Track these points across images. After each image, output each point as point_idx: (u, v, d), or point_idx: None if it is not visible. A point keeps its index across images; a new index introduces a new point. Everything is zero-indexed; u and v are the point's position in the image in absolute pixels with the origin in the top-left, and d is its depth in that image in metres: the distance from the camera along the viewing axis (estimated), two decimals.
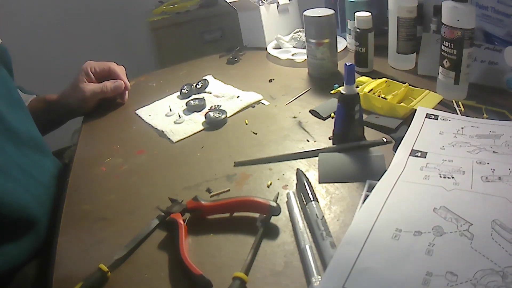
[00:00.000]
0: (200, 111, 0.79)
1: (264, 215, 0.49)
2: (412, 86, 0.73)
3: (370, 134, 0.64)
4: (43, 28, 1.90)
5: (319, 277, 0.40)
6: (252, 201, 0.49)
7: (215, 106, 0.79)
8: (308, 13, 0.84)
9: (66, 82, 0.87)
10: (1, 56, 0.71)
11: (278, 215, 0.49)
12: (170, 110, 0.79)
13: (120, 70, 0.87)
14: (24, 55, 1.51)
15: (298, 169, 0.56)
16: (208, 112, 0.75)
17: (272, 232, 0.48)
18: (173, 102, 0.84)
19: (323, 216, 0.47)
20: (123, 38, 2.06)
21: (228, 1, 1.05)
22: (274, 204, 0.49)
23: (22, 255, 0.59)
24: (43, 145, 0.72)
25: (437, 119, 0.61)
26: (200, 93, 0.86)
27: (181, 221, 0.49)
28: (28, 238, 0.59)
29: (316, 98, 0.79)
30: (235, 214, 0.51)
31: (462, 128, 0.59)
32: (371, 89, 0.72)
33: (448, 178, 0.48)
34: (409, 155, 0.54)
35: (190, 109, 0.79)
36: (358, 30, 0.83)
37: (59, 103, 0.84)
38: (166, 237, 0.50)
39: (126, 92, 0.87)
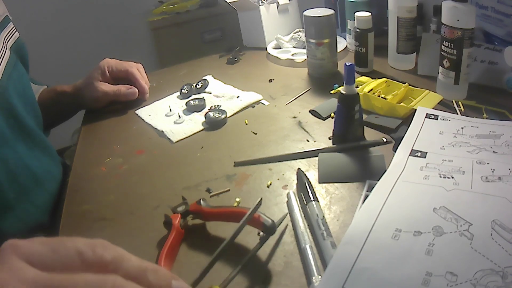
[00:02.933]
0: (200, 111, 0.79)
1: (263, 233, 0.45)
2: (412, 86, 0.73)
3: (370, 134, 0.64)
4: (43, 28, 1.90)
5: (320, 276, 0.40)
6: (245, 213, 0.45)
7: (215, 106, 0.79)
8: (308, 13, 0.84)
9: (65, 83, 0.87)
10: (19, 51, 0.70)
11: (273, 234, 0.45)
12: (170, 110, 0.79)
13: (138, 74, 0.85)
14: None
15: (299, 169, 0.56)
16: (208, 112, 0.75)
17: None
18: (173, 102, 0.84)
19: (323, 216, 0.47)
20: (123, 38, 2.06)
21: (228, 1, 1.05)
22: (268, 222, 0.44)
23: None
24: (51, 149, 0.72)
25: (437, 119, 0.61)
26: (200, 93, 0.86)
27: (176, 223, 0.48)
28: None
29: (316, 98, 0.79)
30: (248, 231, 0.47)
31: (462, 128, 0.59)
32: (371, 89, 0.72)
33: (448, 178, 0.48)
34: (409, 155, 0.54)
35: (190, 109, 0.79)
36: (358, 30, 0.83)
37: (71, 96, 0.84)
38: (164, 237, 0.49)
39: (146, 95, 0.86)
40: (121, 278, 0.26)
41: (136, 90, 0.84)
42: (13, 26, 0.70)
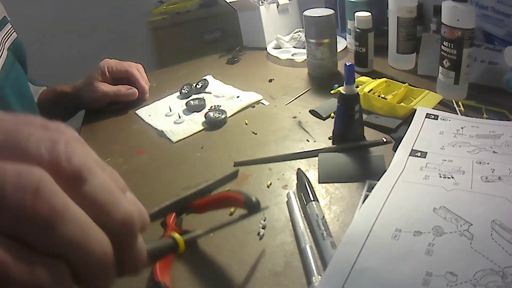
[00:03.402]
0: (200, 111, 0.79)
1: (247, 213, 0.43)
2: (412, 86, 0.73)
3: (370, 134, 0.64)
4: (43, 28, 1.90)
5: (320, 276, 0.40)
6: (230, 196, 0.45)
7: (215, 106, 0.79)
8: (308, 13, 0.84)
9: (65, 83, 0.87)
10: (16, 51, 0.70)
11: (256, 213, 0.42)
12: (170, 110, 0.79)
13: (138, 74, 0.85)
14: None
15: (299, 169, 0.56)
16: (208, 112, 0.75)
17: (272, 232, 0.48)
18: (173, 102, 0.84)
19: (323, 216, 0.47)
20: (123, 38, 2.06)
21: (228, 1, 1.05)
22: (252, 199, 0.42)
23: None
24: None
25: (437, 119, 0.61)
26: (200, 93, 0.86)
27: (171, 222, 0.48)
28: None
29: (316, 98, 0.79)
30: (236, 213, 0.50)
31: (462, 128, 0.59)
32: (371, 89, 0.72)
33: (448, 178, 0.48)
34: (409, 155, 0.54)
35: (190, 109, 0.79)
36: (358, 30, 0.83)
37: (71, 96, 0.84)
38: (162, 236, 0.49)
39: (146, 95, 0.86)
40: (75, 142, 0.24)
41: (136, 90, 0.84)
42: (11, 26, 0.70)
